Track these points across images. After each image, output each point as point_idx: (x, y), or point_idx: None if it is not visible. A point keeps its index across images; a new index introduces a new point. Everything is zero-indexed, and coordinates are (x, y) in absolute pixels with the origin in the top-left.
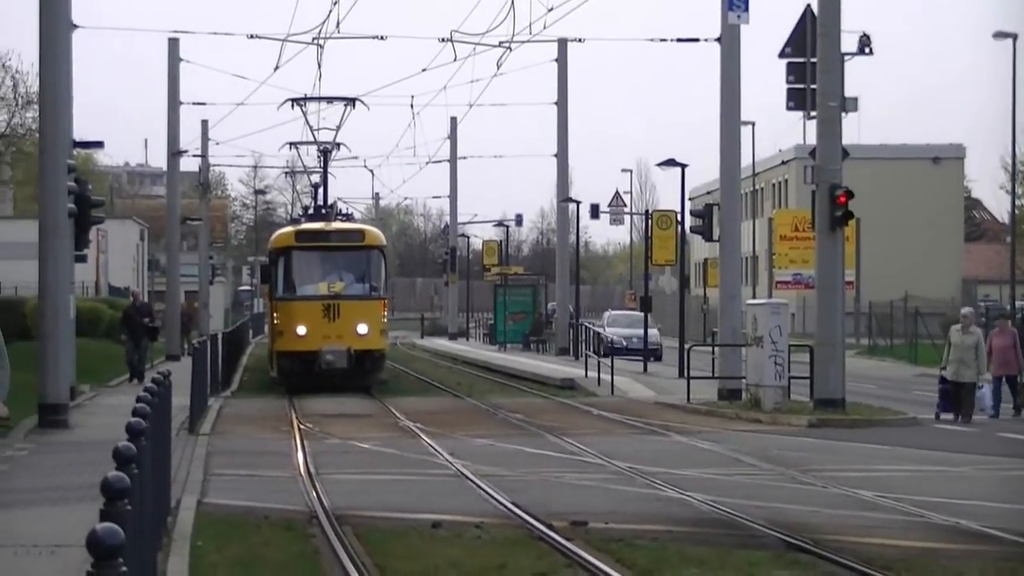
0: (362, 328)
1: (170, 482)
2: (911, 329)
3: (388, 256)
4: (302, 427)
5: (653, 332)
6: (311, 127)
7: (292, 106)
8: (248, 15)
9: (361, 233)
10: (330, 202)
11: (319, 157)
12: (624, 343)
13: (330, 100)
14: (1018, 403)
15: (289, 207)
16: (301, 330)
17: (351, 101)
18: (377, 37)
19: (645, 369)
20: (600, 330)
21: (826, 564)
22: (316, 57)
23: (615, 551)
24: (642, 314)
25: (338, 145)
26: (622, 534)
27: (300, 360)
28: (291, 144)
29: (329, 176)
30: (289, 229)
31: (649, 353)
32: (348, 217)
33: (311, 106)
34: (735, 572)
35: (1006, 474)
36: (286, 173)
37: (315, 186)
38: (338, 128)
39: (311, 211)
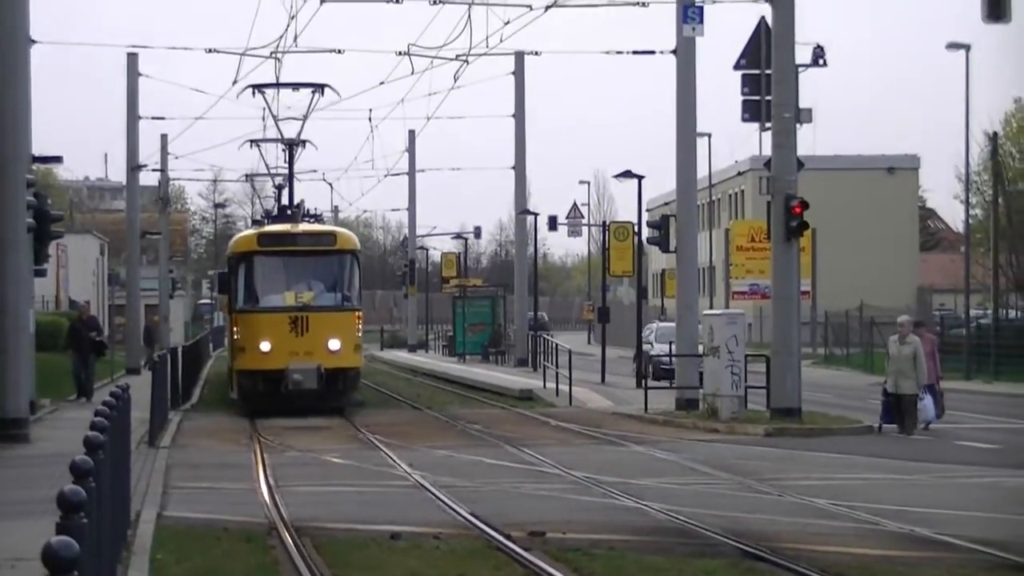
0: (334, 343)
1: (130, 495)
2: (867, 338)
3: (362, 262)
4: (262, 440)
5: None
6: (275, 117)
7: (253, 93)
8: (207, 30)
9: (332, 236)
10: (296, 202)
11: (284, 151)
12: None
13: (296, 87)
14: (937, 412)
15: (249, 220)
16: (265, 346)
17: (319, 88)
18: (335, 51)
19: (604, 380)
20: (647, 347)
21: (782, 572)
22: (275, 71)
23: (572, 560)
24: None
25: (303, 142)
26: (579, 544)
27: (264, 379)
28: (253, 142)
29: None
30: (251, 232)
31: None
32: (317, 218)
33: (274, 96)
34: None
35: (960, 481)
36: (247, 176)
37: (279, 187)
38: (305, 118)
39: (275, 212)
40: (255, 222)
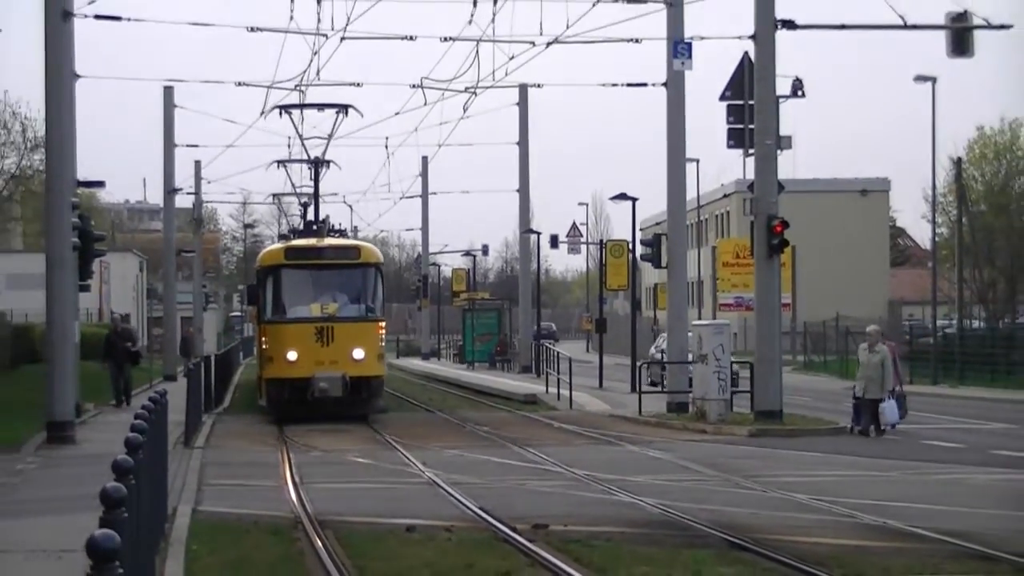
0: (358, 353)
1: (167, 492)
2: (842, 346)
3: (385, 275)
4: (288, 440)
5: None
6: (301, 137)
7: (280, 115)
8: (237, 65)
9: (357, 250)
10: (321, 218)
11: (310, 169)
12: None
13: (321, 107)
14: (900, 415)
15: (276, 238)
16: (292, 355)
17: (343, 108)
18: (354, 84)
19: (601, 385)
20: (660, 355)
21: (766, 561)
22: (299, 102)
23: (573, 551)
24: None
25: (328, 162)
26: (580, 535)
27: (291, 387)
28: (280, 162)
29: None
30: (278, 246)
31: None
32: (342, 233)
33: (300, 117)
34: (683, 570)
35: (930, 478)
36: (274, 196)
37: (304, 205)
38: (329, 138)
39: (301, 228)
40: (282, 237)
